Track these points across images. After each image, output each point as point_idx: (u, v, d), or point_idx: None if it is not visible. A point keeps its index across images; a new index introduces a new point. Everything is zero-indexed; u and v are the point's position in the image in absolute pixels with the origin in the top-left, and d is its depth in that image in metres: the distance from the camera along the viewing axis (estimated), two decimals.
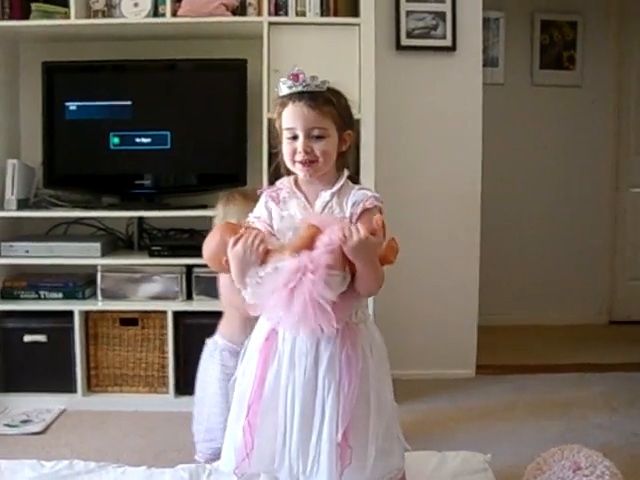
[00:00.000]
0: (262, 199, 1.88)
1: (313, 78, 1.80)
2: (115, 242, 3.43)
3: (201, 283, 3.16)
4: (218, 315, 3.09)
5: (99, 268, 3.16)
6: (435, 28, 3.50)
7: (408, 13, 3.49)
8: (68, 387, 3.12)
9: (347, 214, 1.78)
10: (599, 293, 4.88)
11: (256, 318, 1.85)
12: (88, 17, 3.18)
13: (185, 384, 3.13)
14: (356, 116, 2.97)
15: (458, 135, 3.54)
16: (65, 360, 3.11)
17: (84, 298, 3.19)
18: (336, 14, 3.13)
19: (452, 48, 3.50)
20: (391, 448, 1.83)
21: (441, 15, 3.49)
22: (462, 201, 3.52)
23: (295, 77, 1.79)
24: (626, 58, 4.82)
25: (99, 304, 3.16)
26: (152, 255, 3.15)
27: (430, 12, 3.50)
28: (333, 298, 1.63)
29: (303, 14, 3.11)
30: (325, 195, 1.81)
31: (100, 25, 3.17)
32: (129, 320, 3.15)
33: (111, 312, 3.15)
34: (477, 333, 3.61)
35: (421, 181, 3.50)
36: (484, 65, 3.73)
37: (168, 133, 3.21)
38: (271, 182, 1.96)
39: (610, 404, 3.19)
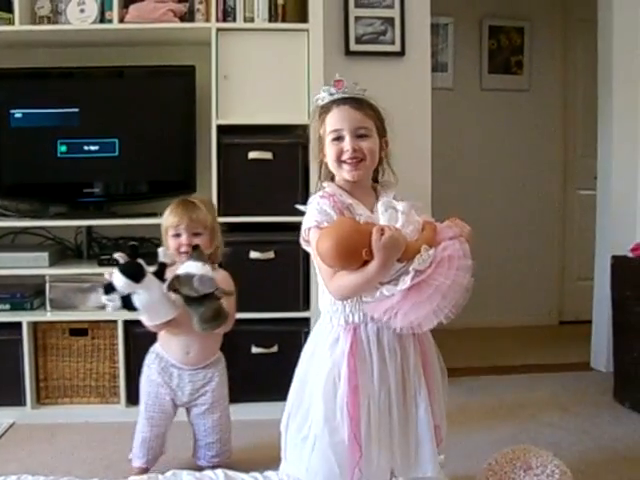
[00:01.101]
0: (324, 204, 1.85)
1: (355, 85, 1.91)
2: (64, 251, 3.38)
3: None
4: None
5: (47, 278, 3.11)
6: (384, 33, 3.52)
7: (357, 19, 3.51)
8: (17, 400, 3.06)
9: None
10: (549, 294, 4.97)
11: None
12: (33, 23, 3.14)
13: (136, 394, 3.09)
14: (304, 122, 3.02)
15: (407, 140, 3.51)
16: (13, 372, 3.04)
17: (32, 309, 3.13)
18: (284, 20, 3.13)
19: (401, 53, 3.53)
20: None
21: (390, 21, 3.52)
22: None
23: (338, 83, 1.88)
24: (572, 62, 4.93)
25: (48, 315, 3.11)
26: (101, 264, 3.10)
27: (379, 18, 3.52)
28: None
29: (251, 20, 3.10)
30: (386, 200, 1.87)
31: (45, 31, 3.12)
32: (79, 330, 3.10)
33: (60, 322, 3.09)
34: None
35: None
36: (434, 70, 3.76)
37: (116, 140, 3.17)
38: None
39: (560, 403, 3.24)
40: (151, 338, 3.03)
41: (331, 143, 1.87)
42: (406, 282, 1.72)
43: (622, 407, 3.19)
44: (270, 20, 3.11)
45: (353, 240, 1.72)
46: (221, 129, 3.03)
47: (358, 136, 1.85)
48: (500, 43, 4.86)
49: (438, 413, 1.91)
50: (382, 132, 1.93)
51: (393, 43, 3.52)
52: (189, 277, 2.18)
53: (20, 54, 3.27)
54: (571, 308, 4.94)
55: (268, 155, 3.01)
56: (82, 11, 3.08)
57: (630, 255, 3.27)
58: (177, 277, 2.22)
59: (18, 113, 3.17)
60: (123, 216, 3.19)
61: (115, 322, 3.05)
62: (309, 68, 3.03)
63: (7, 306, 3.11)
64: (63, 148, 3.18)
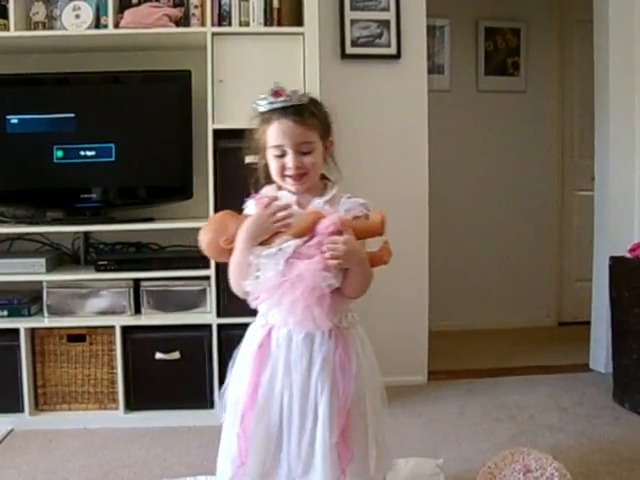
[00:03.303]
0: (250, 207, 1.88)
1: (294, 92, 1.83)
2: (61, 257, 3.37)
3: (149, 297, 3.13)
4: (167, 329, 3.08)
5: (45, 284, 3.10)
6: (380, 36, 3.52)
7: (353, 22, 3.51)
8: (15, 407, 3.05)
9: None
10: (547, 295, 4.98)
11: None
12: (28, 29, 3.13)
13: (135, 399, 3.10)
14: None
15: (404, 142, 3.57)
16: (11, 379, 3.03)
17: (30, 315, 3.12)
18: (280, 24, 3.12)
19: (397, 56, 3.53)
20: (386, 448, 1.90)
21: (385, 23, 3.52)
22: (410, 208, 3.54)
23: (277, 93, 1.80)
24: (568, 63, 4.93)
25: (45, 321, 3.10)
26: (99, 270, 3.10)
27: (375, 20, 3.52)
28: (334, 284, 1.70)
29: (247, 24, 3.10)
30: (318, 202, 1.82)
31: (41, 37, 3.11)
32: (76, 336, 3.09)
33: (58, 329, 3.09)
34: (428, 339, 3.64)
35: (367, 189, 3.46)
36: (430, 72, 3.77)
37: (113, 146, 3.16)
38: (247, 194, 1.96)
39: (559, 405, 3.24)
40: (148, 343, 3.05)
41: (273, 157, 1.83)
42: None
43: (621, 408, 3.19)
44: (265, 24, 3.10)
45: (213, 232, 1.84)
46: (217, 133, 3.03)
47: (301, 152, 1.81)
48: (496, 45, 4.86)
49: (356, 436, 1.79)
50: (325, 135, 1.88)
51: (389, 46, 3.52)
52: None
53: (15, 60, 3.26)
54: (570, 309, 4.94)
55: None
56: (77, 16, 3.08)
57: (628, 256, 3.26)
58: None
59: (14, 119, 3.16)
60: (120, 221, 3.17)
61: (113, 328, 3.05)
62: (305, 72, 3.02)
63: (4, 312, 3.10)
64: (59, 154, 3.17)
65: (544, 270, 4.95)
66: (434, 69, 4.65)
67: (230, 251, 1.81)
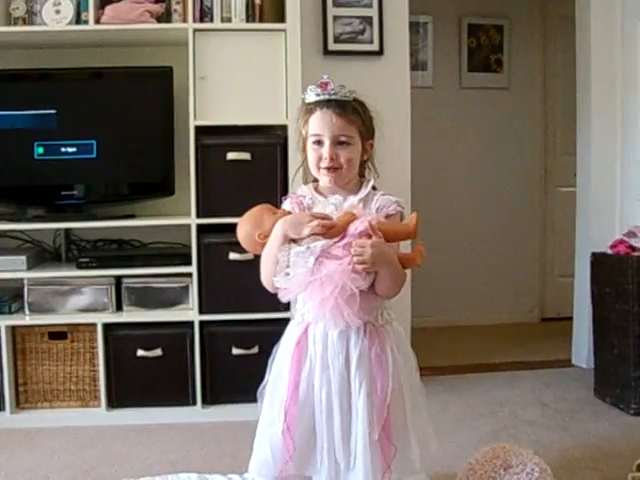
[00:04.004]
0: (286, 205, 1.92)
1: (341, 87, 1.88)
2: (42, 254, 3.34)
3: (131, 294, 3.11)
4: (149, 326, 3.07)
5: (25, 282, 3.08)
6: (362, 32, 3.52)
7: (335, 18, 3.50)
8: None
9: None
10: (530, 291, 5.00)
11: None
12: (8, 24, 3.10)
13: (117, 397, 3.08)
14: (283, 122, 3.01)
15: (387, 139, 3.53)
16: None
17: (10, 313, 3.10)
18: (262, 20, 3.11)
19: (379, 52, 3.52)
20: (429, 442, 1.92)
21: (368, 20, 3.51)
22: None
23: (324, 85, 1.85)
24: (551, 60, 4.96)
25: (26, 318, 3.08)
26: (80, 267, 3.08)
27: (357, 17, 3.51)
28: (362, 286, 1.70)
29: (229, 20, 3.08)
30: (353, 200, 1.84)
31: (21, 32, 3.08)
32: (58, 334, 3.07)
33: (39, 326, 3.06)
34: (411, 335, 3.63)
35: None
36: (413, 69, 3.77)
37: (94, 142, 3.14)
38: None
39: (541, 400, 3.26)
40: (130, 340, 3.03)
41: (312, 146, 1.87)
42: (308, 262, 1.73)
43: (603, 403, 3.21)
44: (247, 20, 3.09)
45: (251, 225, 1.85)
46: (199, 130, 3.02)
47: (338, 143, 1.84)
48: (479, 41, 4.87)
49: (398, 430, 1.80)
50: (366, 136, 1.92)
51: (372, 42, 3.51)
52: None
53: None
54: (552, 305, 4.97)
55: (246, 156, 3.00)
56: (57, 12, 3.05)
57: (609, 252, 3.28)
58: None
59: None
60: (102, 218, 3.16)
61: (94, 325, 3.03)
62: (287, 68, 3.02)
63: None
64: (40, 150, 3.15)
65: (527, 266, 4.98)
66: (417, 66, 4.66)
67: (264, 245, 1.82)
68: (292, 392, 1.81)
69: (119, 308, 3.12)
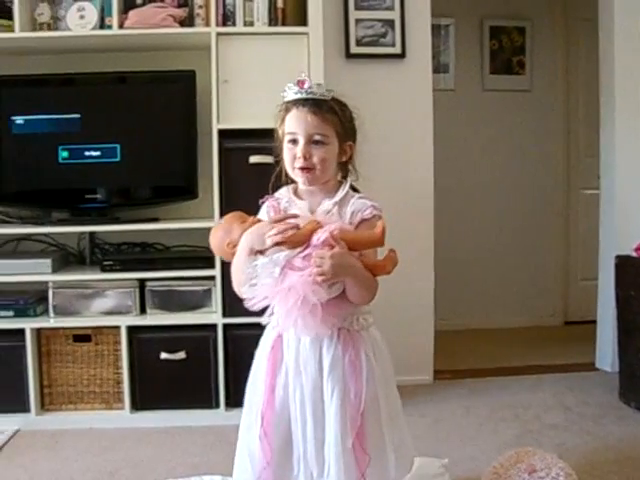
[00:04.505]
0: (263, 208, 1.91)
1: (319, 86, 1.85)
2: (66, 258, 3.37)
3: (155, 297, 3.13)
4: (172, 329, 3.09)
5: (50, 284, 3.10)
6: (384, 35, 3.52)
7: (357, 21, 3.50)
8: (21, 407, 3.06)
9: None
10: (553, 294, 4.96)
11: None
12: (33, 30, 3.13)
13: (141, 399, 3.10)
14: None
15: (409, 142, 3.56)
16: (17, 379, 3.04)
17: (36, 315, 3.13)
18: (284, 23, 3.12)
19: (402, 55, 3.52)
20: (406, 451, 1.90)
21: (390, 23, 3.51)
22: (415, 207, 3.53)
23: (301, 83, 1.83)
24: (573, 62, 4.92)
25: (51, 321, 3.10)
26: (104, 270, 3.10)
27: (379, 20, 3.52)
28: (324, 298, 1.68)
29: (251, 24, 3.10)
30: (328, 204, 1.83)
31: (46, 38, 3.12)
32: (82, 336, 3.09)
33: (64, 329, 3.09)
34: (434, 338, 3.63)
35: (372, 188, 3.50)
36: (435, 71, 3.76)
37: (118, 146, 3.17)
38: (273, 190, 1.98)
39: (565, 404, 3.23)
40: (153, 343, 3.05)
41: (287, 145, 1.85)
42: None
43: (628, 407, 3.18)
44: (270, 24, 3.10)
45: (222, 232, 1.86)
46: (222, 133, 3.03)
47: (313, 142, 1.81)
48: (502, 43, 4.85)
49: (372, 439, 1.78)
50: (344, 137, 1.87)
51: (394, 45, 3.51)
52: None
53: (21, 61, 3.27)
54: (576, 308, 4.93)
55: (269, 159, 3.00)
56: (82, 17, 3.08)
57: (634, 254, 3.25)
58: None
59: (19, 119, 3.17)
60: (125, 222, 3.18)
61: (118, 328, 3.05)
62: (310, 71, 3.01)
63: (10, 313, 3.10)
64: (65, 154, 3.17)
65: (550, 269, 4.94)
66: (439, 68, 4.64)
67: (233, 254, 1.82)
68: (268, 396, 1.80)
69: (143, 311, 3.14)
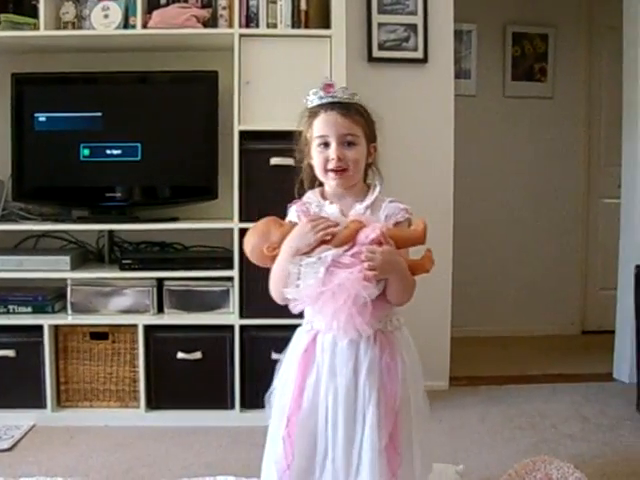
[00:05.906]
0: (292, 213, 1.91)
1: (344, 89, 1.88)
2: (85, 255, 3.39)
3: (172, 296, 3.14)
4: (189, 328, 3.09)
5: (69, 282, 3.12)
6: (407, 40, 3.51)
7: (380, 25, 3.50)
8: (37, 402, 3.07)
9: None
10: (571, 303, 4.93)
11: None
12: (58, 28, 3.16)
13: (157, 398, 3.11)
14: None
15: (430, 147, 3.55)
16: (34, 375, 3.06)
17: (54, 312, 3.15)
18: (307, 26, 3.12)
19: (424, 60, 3.51)
20: (430, 450, 1.92)
21: (413, 27, 3.51)
22: (434, 214, 3.48)
23: (328, 87, 1.86)
24: (596, 70, 4.89)
25: (69, 318, 3.12)
26: (123, 268, 3.11)
27: (402, 24, 3.51)
28: (375, 293, 1.70)
29: (274, 26, 3.10)
30: (359, 208, 1.84)
31: (70, 37, 3.14)
32: (99, 334, 3.11)
33: (81, 326, 3.11)
34: (450, 345, 3.62)
35: (392, 194, 3.50)
36: (457, 77, 3.75)
37: (139, 145, 3.18)
38: (299, 195, 1.99)
39: (582, 414, 3.20)
40: (170, 343, 3.06)
41: (317, 149, 1.86)
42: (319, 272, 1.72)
43: None
44: (293, 26, 3.11)
45: (258, 238, 1.85)
46: (243, 135, 3.03)
47: (344, 143, 1.83)
48: (524, 50, 4.83)
49: (402, 439, 1.79)
50: (370, 138, 1.90)
51: (416, 50, 3.51)
52: None
53: (45, 59, 3.29)
54: (594, 318, 4.90)
55: (289, 161, 3.00)
56: (106, 16, 3.10)
57: None
58: None
59: (42, 117, 3.19)
60: (145, 221, 3.19)
61: (136, 326, 3.06)
62: (332, 74, 3.01)
63: (29, 309, 3.12)
64: (86, 152, 3.19)
65: (568, 278, 4.91)
66: (461, 74, 4.62)
67: (272, 258, 1.81)
68: (296, 399, 1.81)
69: (160, 310, 3.15)
